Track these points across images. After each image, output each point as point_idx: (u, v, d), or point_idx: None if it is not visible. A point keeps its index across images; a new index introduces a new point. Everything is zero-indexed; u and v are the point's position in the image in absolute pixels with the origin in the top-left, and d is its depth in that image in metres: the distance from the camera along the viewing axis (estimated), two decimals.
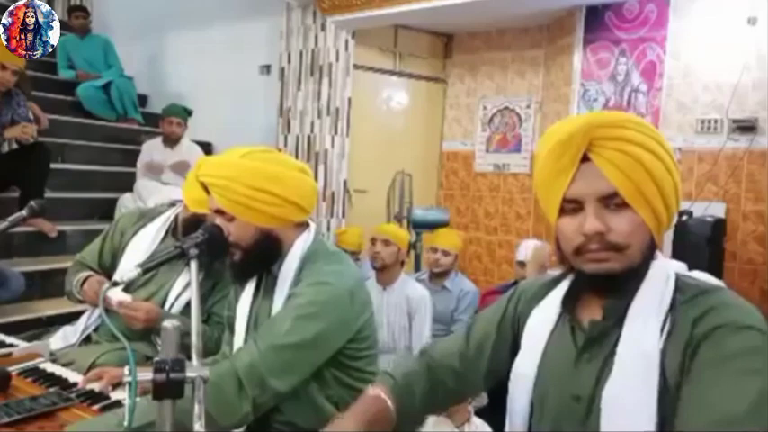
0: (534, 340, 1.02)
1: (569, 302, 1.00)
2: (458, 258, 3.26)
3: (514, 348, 1.07)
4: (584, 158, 0.89)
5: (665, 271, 0.92)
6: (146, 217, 1.92)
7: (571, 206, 0.91)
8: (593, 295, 0.96)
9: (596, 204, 0.89)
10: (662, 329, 0.86)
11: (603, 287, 0.93)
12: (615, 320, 0.92)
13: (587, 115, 0.92)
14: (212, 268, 1.77)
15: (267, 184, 1.28)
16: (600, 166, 0.88)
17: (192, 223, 1.75)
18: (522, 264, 2.87)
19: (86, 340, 1.82)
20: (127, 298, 1.70)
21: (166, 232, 1.87)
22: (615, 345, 0.90)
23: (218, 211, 1.32)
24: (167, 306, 1.77)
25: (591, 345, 0.95)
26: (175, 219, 1.88)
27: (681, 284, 0.91)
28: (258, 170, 1.29)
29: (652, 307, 0.89)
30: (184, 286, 1.77)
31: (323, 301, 1.25)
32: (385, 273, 2.82)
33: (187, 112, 4.22)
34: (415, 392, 1.07)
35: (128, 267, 1.78)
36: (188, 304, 1.76)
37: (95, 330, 1.82)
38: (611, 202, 0.88)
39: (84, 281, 1.78)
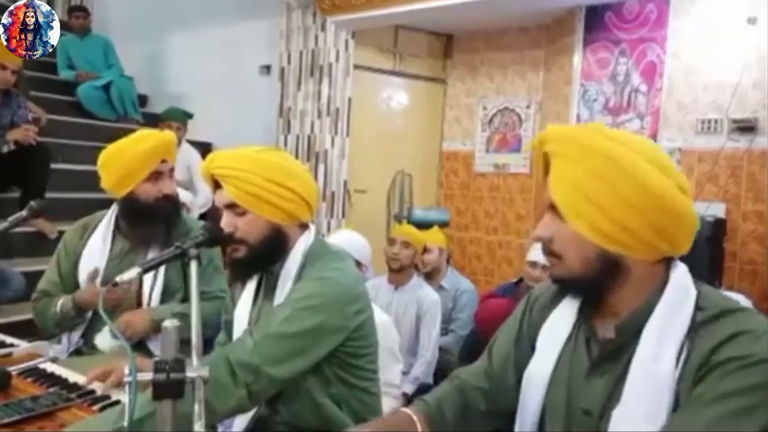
0: (549, 345, 1.01)
1: (586, 311, 0.99)
2: (442, 254, 3.19)
3: None
4: None
5: (683, 284, 0.89)
6: (89, 227, 1.90)
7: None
8: (607, 309, 0.95)
9: (549, 212, 0.93)
10: (678, 356, 0.83)
11: (562, 292, 0.99)
12: (631, 337, 0.90)
13: (548, 128, 0.95)
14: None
15: (286, 179, 1.30)
16: (549, 179, 0.92)
17: (128, 210, 1.77)
18: (533, 264, 2.64)
19: (76, 353, 1.80)
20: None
21: (114, 234, 1.86)
22: (629, 363, 0.87)
23: (229, 206, 1.31)
24: (145, 302, 1.77)
25: (604, 360, 0.94)
26: (116, 219, 1.87)
27: (702, 301, 0.87)
28: (277, 165, 1.31)
29: (669, 327, 0.86)
30: (153, 278, 1.78)
31: (323, 294, 1.26)
32: (400, 274, 2.83)
33: (187, 116, 4.21)
34: (447, 414, 1.08)
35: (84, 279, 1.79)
36: (164, 292, 1.79)
37: (85, 344, 1.80)
38: (558, 212, 0.91)
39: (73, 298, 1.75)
